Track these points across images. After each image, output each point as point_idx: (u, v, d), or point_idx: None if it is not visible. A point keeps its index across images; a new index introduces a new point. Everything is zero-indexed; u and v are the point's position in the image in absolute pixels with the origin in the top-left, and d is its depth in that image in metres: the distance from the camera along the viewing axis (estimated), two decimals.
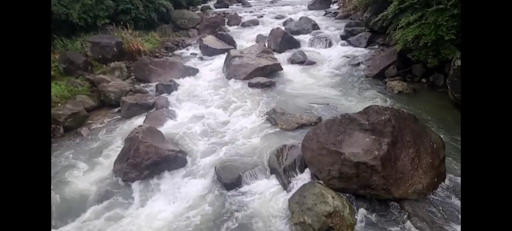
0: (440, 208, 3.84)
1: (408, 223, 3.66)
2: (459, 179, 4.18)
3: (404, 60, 7.01)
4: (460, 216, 3.62)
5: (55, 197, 4.28)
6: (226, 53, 8.97)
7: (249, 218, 3.84)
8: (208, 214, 3.95)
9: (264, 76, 7.72)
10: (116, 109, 6.70)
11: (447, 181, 4.14)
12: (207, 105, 6.69)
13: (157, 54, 10.07)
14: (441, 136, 4.40)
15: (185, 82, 7.78)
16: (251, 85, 7.37)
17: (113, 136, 5.76)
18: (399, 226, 3.65)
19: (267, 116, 5.89)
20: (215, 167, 4.55)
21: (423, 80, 6.71)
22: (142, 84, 7.84)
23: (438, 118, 5.49)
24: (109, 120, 6.36)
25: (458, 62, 5.45)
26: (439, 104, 5.83)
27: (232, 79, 7.80)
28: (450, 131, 5.11)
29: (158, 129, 5.44)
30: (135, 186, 4.50)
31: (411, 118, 4.32)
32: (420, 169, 4.11)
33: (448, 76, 5.86)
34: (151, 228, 3.77)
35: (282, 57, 9.03)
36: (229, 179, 4.34)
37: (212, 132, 5.67)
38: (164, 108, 6.51)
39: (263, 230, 3.69)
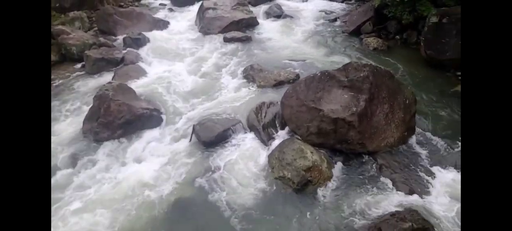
0: (409, 159, 4.09)
1: (380, 174, 3.89)
2: (427, 132, 4.43)
3: (380, 16, 7.01)
4: (431, 169, 3.90)
5: None
6: (197, 4, 8.42)
7: (230, 175, 3.87)
8: (188, 173, 3.91)
9: (240, 30, 7.41)
10: (80, 65, 6.18)
11: (416, 134, 4.38)
12: (180, 61, 6.36)
13: (122, 4, 9.21)
14: (412, 91, 4.57)
15: (155, 36, 7.27)
16: (226, 40, 7.07)
17: (79, 94, 5.37)
18: (372, 177, 3.87)
19: (244, 72, 5.74)
20: (193, 126, 4.45)
21: (397, 37, 6.81)
22: (106, 37, 7.21)
23: (410, 74, 5.68)
24: (73, 76, 5.88)
25: (433, 19, 5.54)
26: (412, 61, 6.00)
27: (206, 33, 7.41)
28: (420, 86, 5.33)
29: (129, 86, 5.13)
30: (108, 146, 4.31)
31: (388, 74, 4.41)
32: (392, 124, 4.30)
33: (421, 33, 5.97)
34: (127, 189, 3.67)
35: (257, 11, 8.66)
36: (208, 137, 4.27)
37: (187, 89, 5.46)
38: (134, 64, 6.11)
39: (244, 186, 3.76)
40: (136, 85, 5.35)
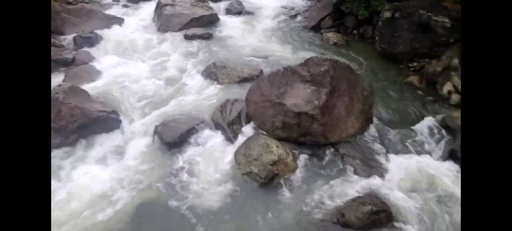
0: (368, 147, 4.29)
1: (342, 163, 4.03)
2: (383, 121, 4.66)
3: (339, 12, 7.26)
4: (389, 155, 4.11)
5: None
6: (154, 1, 8.08)
7: (196, 175, 3.78)
8: (149, 178, 3.74)
9: (201, 27, 7.25)
10: None
11: (373, 124, 4.60)
12: (138, 60, 6.07)
13: (70, 0, 8.55)
14: (369, 83, 4.79)
15: (109, 34, 6.85)
16: (187, 37, 6.88)
17: None
18: (335, 166, 4.01)
19: (207, 70, 5.63)
20: (155, 126, 4.27)
21: (355, 32, 7.10)
22: (54, 37, 6.65)
23: (367, 67, 5.96)
24: None
25: (386, 14, 5.85)
26: (368, 55, 6.29)
27: (165, 31, 7.15)
28: (376, 78, 5.62)
29: (82, 88, 4.79)
30: (60, 153, 4.01)
31: (347, 68, 4.58)
32: (352, 115, 4.47)
33: (376, 28, 6.28)
34: (79, 203, 3.41)
35: (218, 7, 8.52)
36: (172, 138, 4.13)
37: (147, 89, 5.22)
38: (87, 64, 5.73)
39: (211, 186, 3.69)
40: (90, 87, 5.01)
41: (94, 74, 5.45)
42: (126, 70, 5.65)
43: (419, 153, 4.11)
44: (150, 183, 3.68)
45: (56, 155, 3.96)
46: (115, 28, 7.19)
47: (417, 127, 4.45)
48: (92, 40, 6.44)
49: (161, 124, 4.31)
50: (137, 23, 7.62)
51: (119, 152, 4.09)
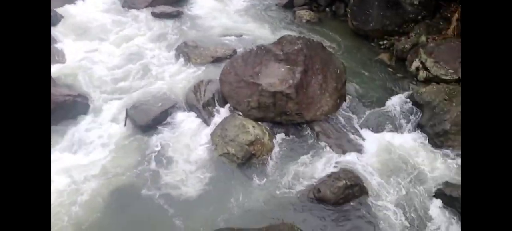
0: (342, 124, 4.42)
1: (317, 141, 4.13)
2: (356, 98, 4.77)
3: None
4: (361, 131, 4.25)
5: None
6: None
7: (172, 159, 3.72)
8: (124, 163, 3.64)
9: (170, 4, 6.91)
10: None
11: (347, 101, 4.72)
12: (103, 40, 5.73)
13: None
14: (342, 61, 4.87)
15: (69, 12, 6.36)
16: (155, 15, 6.55)
17: None
18: (311, 144, 4.10)
19: (178, 49, 5.43)
20: (126, 110, 4.10)
21: (327, 9, 7.11)
22: None
23: (339, 45, 6.03)
24: None
25: None
26: (341, 32, 6.35)
27: (131, 8, 6.75)
28: (349, 56, 5.71)
29: None
30: None
31: (320, 46, 4.60)
32: (326, 93, 4.54)
33: (348, 6, 6.32)
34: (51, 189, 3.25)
35: None
36: (144, 121, 4.01)
37: (115, 71, 4.97)
38: None
39: (188, 168, 3.65)
40: (53, 70, 4.67)
41: (56, 56, 5.09)
42: (91, 52, 5.32)
43: (389, 128, 4.29)
44: (123, 170, 3.57)
45: None
46: (76, 5, 6.69)
47: (388, 103, 4.62)
48: (51, 20, 5.94)
49: (132, 106, 4.16)
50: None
51: (89, 137, 3.90)
